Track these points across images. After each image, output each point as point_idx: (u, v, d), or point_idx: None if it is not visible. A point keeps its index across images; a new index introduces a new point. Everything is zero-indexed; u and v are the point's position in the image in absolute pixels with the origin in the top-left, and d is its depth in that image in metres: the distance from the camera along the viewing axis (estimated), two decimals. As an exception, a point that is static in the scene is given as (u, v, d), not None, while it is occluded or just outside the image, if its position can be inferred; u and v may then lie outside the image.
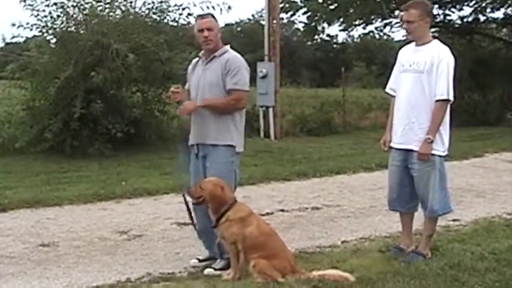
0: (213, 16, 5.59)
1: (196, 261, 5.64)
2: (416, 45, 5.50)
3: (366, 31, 26.11)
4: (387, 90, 5.77)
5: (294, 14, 23.34)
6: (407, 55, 5.56)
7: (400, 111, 5.50)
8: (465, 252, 5.51)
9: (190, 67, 5.72)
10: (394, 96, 5.66)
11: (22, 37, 13.44)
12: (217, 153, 5.35)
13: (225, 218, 5.03)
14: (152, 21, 13.41)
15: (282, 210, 7.94)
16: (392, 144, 5.57)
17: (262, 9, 18.91)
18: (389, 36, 30.32)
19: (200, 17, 5.61)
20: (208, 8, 13.01)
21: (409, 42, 5.66)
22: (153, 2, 13.24)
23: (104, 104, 12.10)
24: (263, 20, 19.24)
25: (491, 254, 5.44)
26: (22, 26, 12.52)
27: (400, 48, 5.81)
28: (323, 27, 24.55)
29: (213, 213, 5.11)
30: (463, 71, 18.75)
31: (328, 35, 36.62)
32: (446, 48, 5.41)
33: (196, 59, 5.68)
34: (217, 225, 5.09)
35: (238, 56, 5.47)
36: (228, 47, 5.54)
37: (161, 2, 13.33)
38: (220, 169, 5.31)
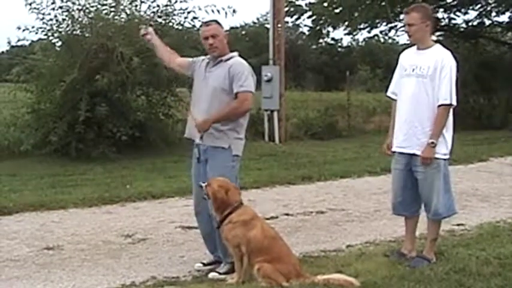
0: (217, 22, 5.58)
1: (201, 265, 5.64)
2: (418, 49, 5.52)
3: (371, 35, 26.15)
4: (389, 94, 5.78)
5: (299, 18, 23.36)
6: (409, 59, 5.57)
7: (402, 116, 5.51)
8: (470, 257, 5.50)
9: (198, 59, 5.70)
10: (395, 100, 5.67)
11: (27, 40, 13.59)
12: (217, 158, 5.35)
13: (228, 220, 5.04)
14: (157, 25, 13.40)
15: (287, 214, 7.92)
16: (394, 149, 5.57)
17: (267, 13, 18.88)
18: (394, 39, 30.37)
19: (205, 24, 5.61)
20: (213, 11, 13.07)
21: (412, 45, 5.66)
22: (158, 6, 13.29)
23: (108, 107, 12.13)
24: (268, 23, 19.26)
25: (496, 258, 5.43)
26: (27, 29, 12.60)
27: (401, 51, 5.82)
28: (328, 31, 24.59)
29: (216, 213, 5.12)
30: (468, 74, 18.75)
31: (333, 39, 36.55)
32: (449, 53, 5.43)
33: (204, 58, 5.65)
34: (220, 226, 5.10)
35: (243, 61, 5.47)
36: (235, 53, 5.54)
37: (166, 5, 13.36)
38: (220, 174, 5.31)
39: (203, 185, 5.16)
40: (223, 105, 5.35)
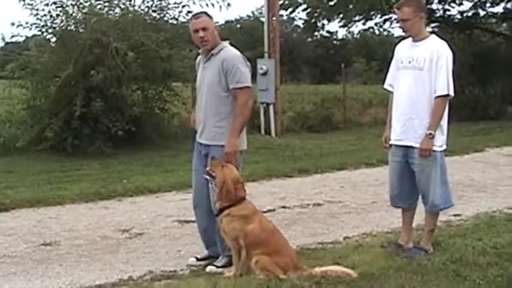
0: (207, 14, 5.50)
1: (194, 259, 5.61)
2: (414, 40, 5.49)
3: (366, 27, 26.23)
4: (385, 86, 5.76)
5: (293, 11, 23.39)
6: (405, 51, 5.55)
7: (399, 108, 5.49)
8: (467, 247, 5.51)
9: (196, 64, 5.68)
10: (392, 93, 5.66)
11: (22, 36, 13.51)
12: (219, 153, 5.29)
13: (227, 212, 5.03)
14: (152, 19, 13.42)
15: (284, 207, 7.93)
16: (392, 141, 5.56)
17: (262, 6, 18.89)
18: (389, 31, 30.42)
19: (194, 16, 5.46)
20: (207, 5, 13.08)
21: (407, 37, 5.64)
22: (152, 0, 13.27)
23: (104, 103, 12.12)
24: (263, 17, 19.25)
25: (492, 248, 5.44)
26: (22, 25, 12.59)
27: (396, 43, 5.80)
28: (323, 24, 24.59)
29: (216, 198, 5.11)
30: (463, 66, 18.78)
31: (328, 32, 36.68)
32: (444, 43, 5.41)
33: (199, 58, 5.63)
34: (219, 214, 5.10)
35: (234, 52, 5.38)
36: (225, 43, 5.44)
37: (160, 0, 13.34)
38: None
39: (210, 162, 5.17)
40: (220, 100, 5.31)
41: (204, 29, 5.29)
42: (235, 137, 5.24)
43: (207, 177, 5.19)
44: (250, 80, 5.42)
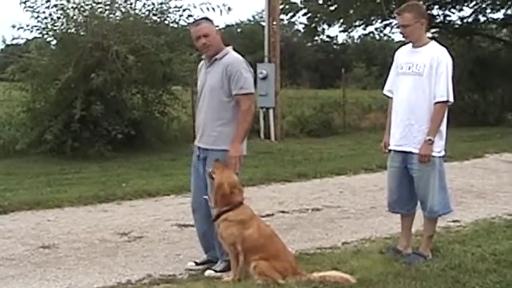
0: (207, 19, 5.52)
1: (193, 264, 5.60)
2: (414, 46, 5.49)
3: (366, 32, 26.29)
4: (385, 92, 5.76)
5: (294, 15, 23.45)
6: (404, 57, 5.55)
7: (398, 114, 5.49)
8: (466, 254, 5.51)
9: (198, 69, 5.69)
10: (391, 98, 5.66)
11: (22, 39, 13.53)
12: (219, 157, 5.27)
13: (225, 217, 5.02)
14: (152, 23, 13.44)
15: (283, 212, 7.93)
16: (391, 147, 5.56)
17: (263, 11, 18.94)
18: (389, 37, 30.45)
19: (194, 24, 5.51)
20: (208, 9, 13.08)
21: (407, 43, 5.65)
22: (153, 4, 13.31)
23: (104, 106, 12.12)
24: (263, 21, 19.26)
25: (491, 255, 5.44)
26: (22, 27, 12.61)
27: (396, 49, 5.80)
28: (323, 29, 24.67)
29: (213, 203, 5.10)
30: (463, 71, 18.82)
31: (328, 36, 36.75)
32: (444, 49, 5.41)
33: (202, 61, 5.64)
34: (216, 219, 5.09)
35: (239, 58, 5.38)
36: (229, 48, 5.44)
37: (161, 3, 13.39)
38: None
39: (209, 170, 5.16)
40: (222, 105, 5.30)
41: (205, 36, 5.30)
42: (240, 142, 5.25)
43: (208, 178, 5.19)
44: (253, 86, 5.42)
